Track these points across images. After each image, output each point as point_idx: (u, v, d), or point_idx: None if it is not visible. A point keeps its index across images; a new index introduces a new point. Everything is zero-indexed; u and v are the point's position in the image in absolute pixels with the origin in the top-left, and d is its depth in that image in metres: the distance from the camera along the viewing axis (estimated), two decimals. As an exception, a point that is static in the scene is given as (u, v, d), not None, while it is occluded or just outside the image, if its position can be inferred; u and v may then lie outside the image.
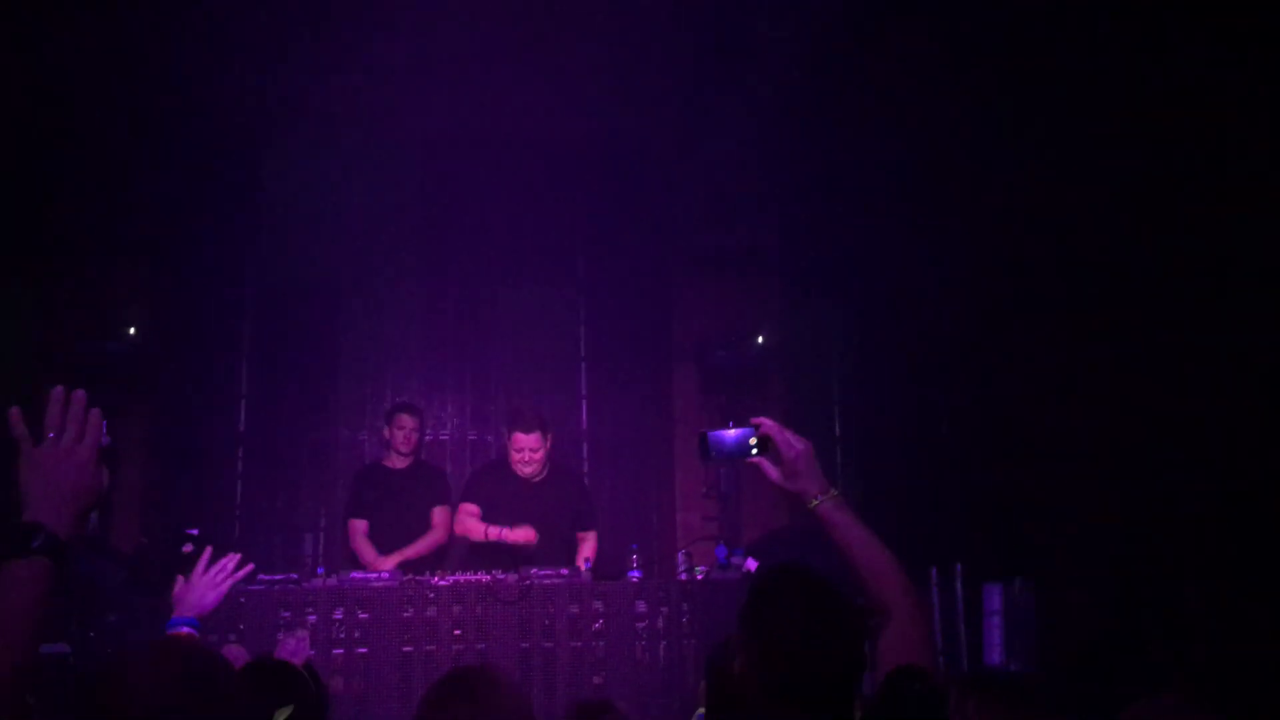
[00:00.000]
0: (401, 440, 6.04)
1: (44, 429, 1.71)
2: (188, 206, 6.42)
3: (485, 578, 5.07)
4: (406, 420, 6.08)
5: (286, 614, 4.86)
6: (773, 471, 2.24)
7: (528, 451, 5.65)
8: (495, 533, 5.49)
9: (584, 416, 7.55)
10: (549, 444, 5.76)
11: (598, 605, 5.09)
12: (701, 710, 3.35)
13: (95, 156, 6.15)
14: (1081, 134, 5.25)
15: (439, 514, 5.97)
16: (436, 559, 5.81)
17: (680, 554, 5.67)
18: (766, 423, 2.28)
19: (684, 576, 5.41)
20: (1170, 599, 5.14)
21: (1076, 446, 5.83)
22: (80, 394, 1.74)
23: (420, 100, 6.12)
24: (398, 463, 6.09)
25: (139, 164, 6.23)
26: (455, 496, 6.00)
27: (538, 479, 5.75)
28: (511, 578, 5.09)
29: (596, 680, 5.04)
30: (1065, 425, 5.88)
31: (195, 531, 5.25)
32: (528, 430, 5.66)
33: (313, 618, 4.86)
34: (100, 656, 4.25)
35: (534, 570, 5.21)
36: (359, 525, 5.93)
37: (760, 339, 6.81)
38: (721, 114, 5.64)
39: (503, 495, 5.71)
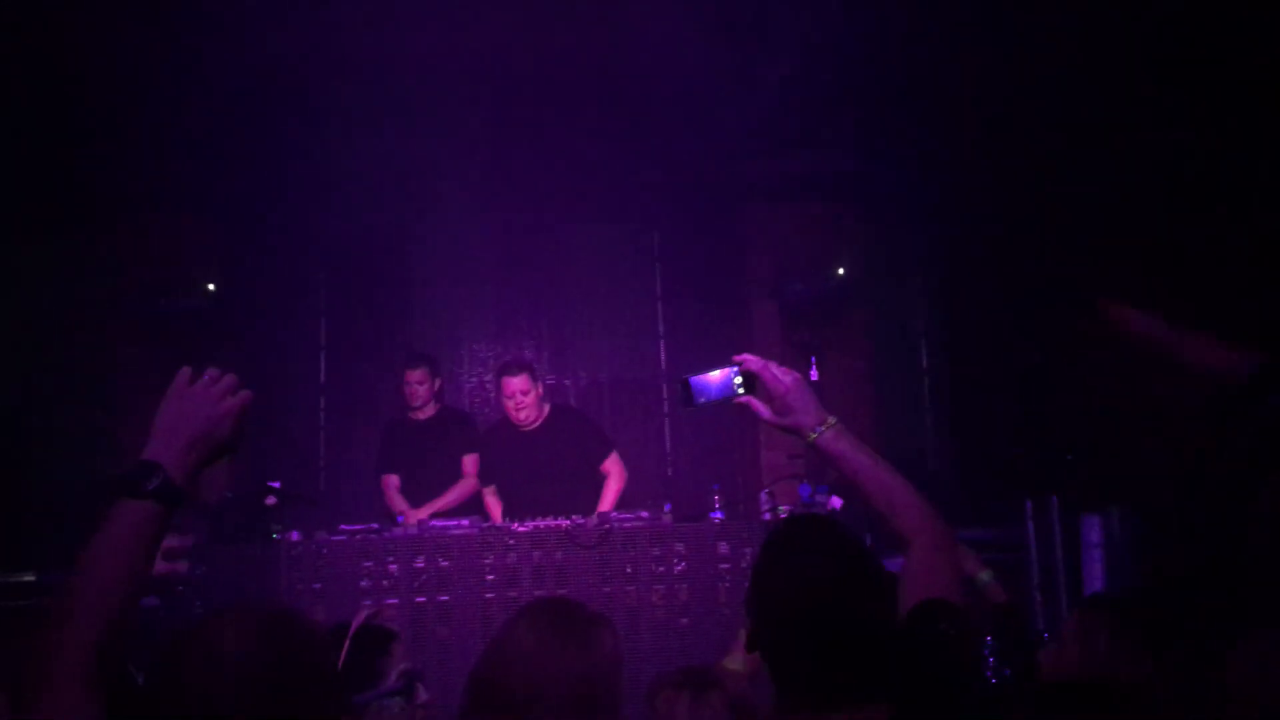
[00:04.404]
0: (409, 395, 5.98)
1: (201, 373, 1.68)
2: (258, 161, 6.39)
3: (564, 523, 5.02)
4: (410, 375, 5.99)
5: (368, 563, 4.87)
6: (764, 410, 2.11)
7: (519, 395, 5.62)
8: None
9: (663, 356, 7.44)
10: (539, 388, 5.77)
11: (679, 547, 5.01)
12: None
13: (163, 112, 6.15)
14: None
15: (469, 461, 5.94)
16: (471, 506, 5.78)
17: (763, 493, 5.56)
18: (749, 359, 2.15)
19: (767, 516, 5.30)
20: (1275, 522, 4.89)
21: (1174, 371, 5.57)
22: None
23: (482, 38, 5.98)
24: (420, 415, 6.04)
25: (206, 119, 6.21)
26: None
27: (533, 425, 5.71)
28: (591, 522, 5.03)
29: (683, 622, 4.98)
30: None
31: (278, 484, 5.29)
32: (514, 373, 5.65)
33: (394, 567, 4.87)
34: (187, 610, 4.29)
35: (613, 514, 5.15)
36: (391, 480, 5.94)
37: (840, 270, 6.59)
38: (790, 29, 5.40)
39: (509, 456, 5.72)
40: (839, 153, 6.54)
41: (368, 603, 4.75)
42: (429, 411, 6.06)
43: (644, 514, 5.15)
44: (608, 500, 5.60)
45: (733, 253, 7.15)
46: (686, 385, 2.22)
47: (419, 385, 5.99)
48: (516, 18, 5.75)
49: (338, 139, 6.35)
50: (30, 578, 5.56)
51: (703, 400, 2.20)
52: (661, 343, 7.45)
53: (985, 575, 3.37)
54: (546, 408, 5.82)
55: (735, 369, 2.17)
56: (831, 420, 2.07)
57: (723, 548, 5.03)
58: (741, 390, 2.17)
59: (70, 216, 6.48)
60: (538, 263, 7.32)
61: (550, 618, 2.35)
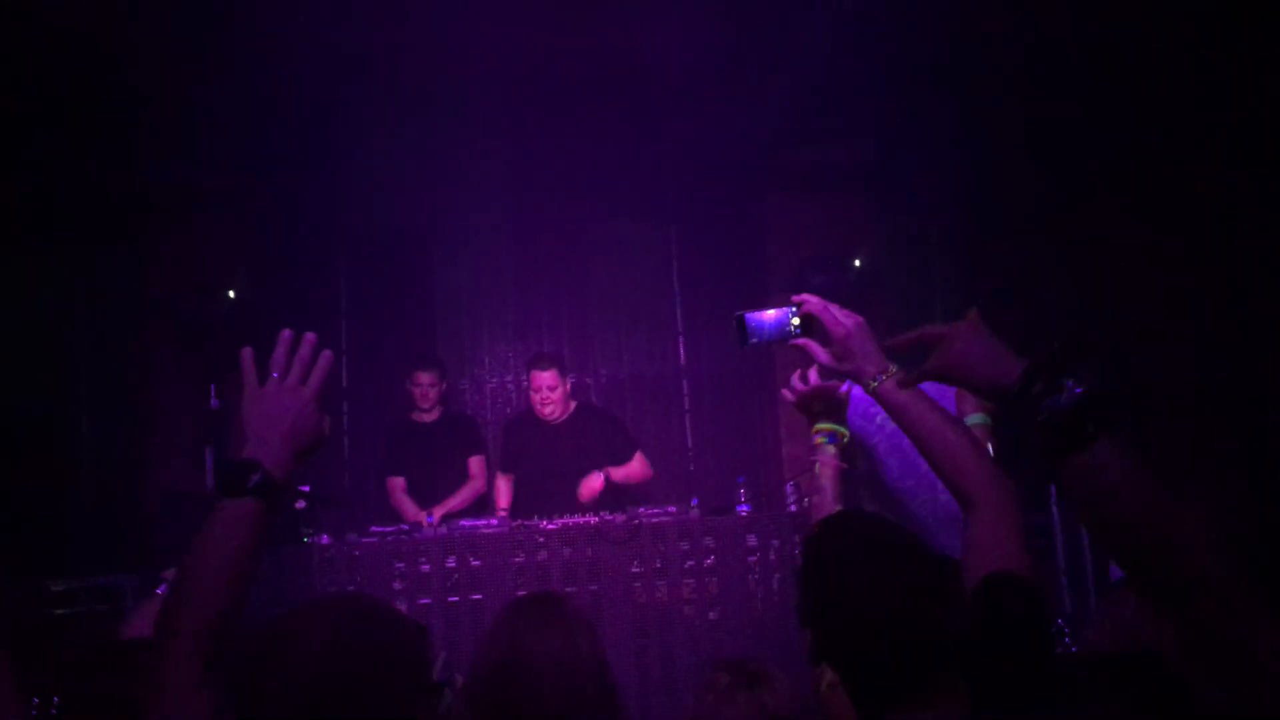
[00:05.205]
0: (420, 397, 6.03)
1: (269, 369, 1.69)
2: (280, 166, 6.42)
3: (594, 519, 5.05)
4: (422, 377, 6.03)
5: (400, 565, 4.90)
6: (821, 354, 2.00)
7: (545, 390, 5.67)
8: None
9: (682, 352, 7.46)
10: (568, 384, 5.80)
11: (708, 541, 5.03)
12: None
13: (187, 120, 6.19)
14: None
15: (475, 463, 5.99)
16: (477, 508, 5.82)
17: (789, 485, 5.57)
18: (810, 299, 2.03)
19: (794, 508, 5.31)
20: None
21: (1191, 349, 5.59)
22: (310, 336, 1.72)
23: (500, 39, 5.98)
24: (425, 417, 6.08)
25: (230, 126, 6.25)
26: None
27: (559, 419, 5.75)
28: (620, 518, 5.06)
29: (712, 615, 5.01)
30: (1180, 332, 5.65)
31: (306, 488, 5.32)
32: (543, 368, 5.71)
33: (426, 567, 4.90)
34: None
35: (641, 509, 5.17)
36: (396, 482, 5.95)
37: (858, 262, 6.60)
38: (806, 19, 5.40)
39: (529, 447, 5.75)
40: (857, 143, 6.55)
41: (401, 603, 4.80)
42: (435, 414, 6.09)
43: (671, 509, 5.18)
44: (618, 472, 5.61)
45: (751, 246, 7.16)
46: (741, 323, 2.10)
47: (430, 388, 6.03)
48: (535, 17, 5.76)
49: (357, 142, 6.38)
50: (62, 586, 5.62)
51: (756, 340, 2.10)
52: (680, 338, 7.47)
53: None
54: (573, 405, 5.86)
55: (792, 308, 2.06)
56: (894, 368, 1.95)
57: (751, 540, 5.06)
58: (798, 331, 2.06)
59: (97, 222, 6.51)
60: (557, 262, 7.36)
61: (547, 617, 2.34)
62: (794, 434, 6.85)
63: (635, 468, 5.74)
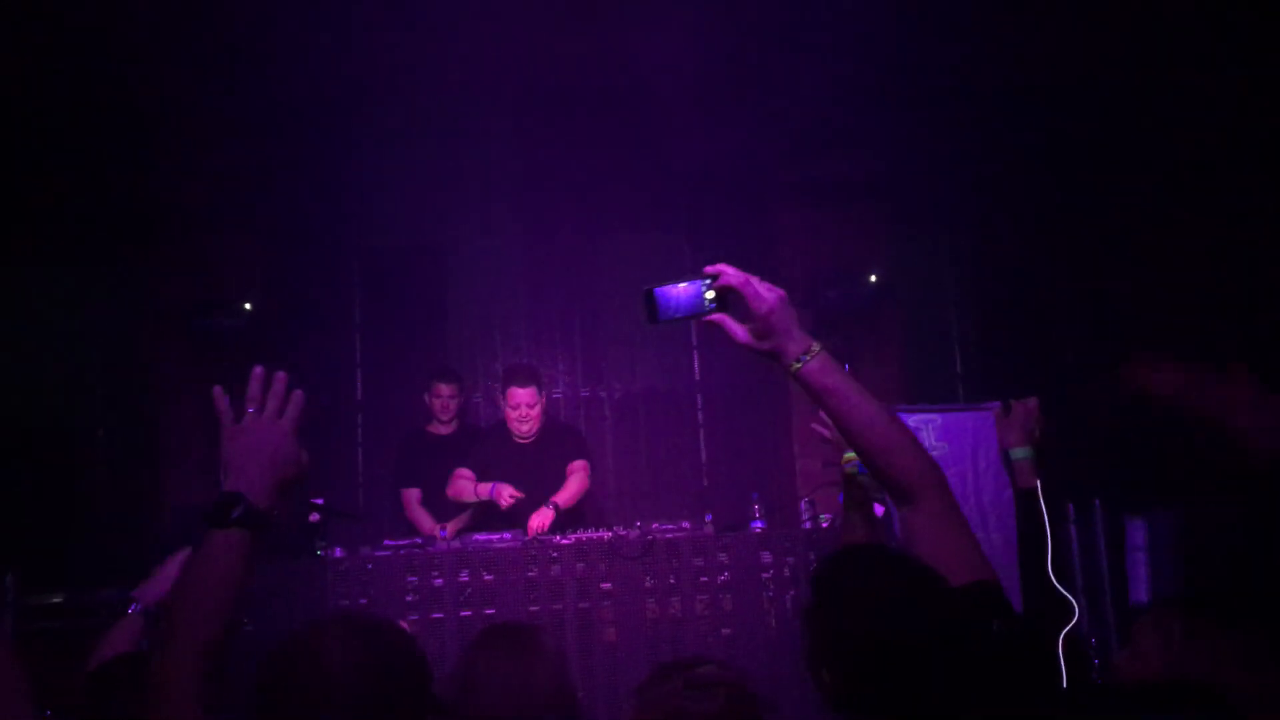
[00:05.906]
0: (440, 408, 6.00)
1: (244, 405, 1.75)
2: (294, 180, 6.45)
3: (607, 535, 5.03)
4: (443, 389, 6.01)
5: (413, 579, 4.89)
6: (739, 331, 1.87)
7: (524, 407, 5.53)
8: (485, 490, 5.40)
9: (696, 367, 7.44)
10: (544, 400, 5.67)
11: (722, 557, 5.02)
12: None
13: (200, 133, 6.23)
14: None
15: None
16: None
17: (803, 502, 5.55)
18: (728, 271, 1.87)
19: (808, 525, 5.29)
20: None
21: (1192, 349, 5.56)
22: (281, 375, 1.77)
23: (510, 54, 6.01)
24: (442, 429, 6.04)
25: (244, 140, 6.29)
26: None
27: (531, 438, 5.61)
28: (634, 534, 5.04)
29: (725, 631, 4.99)
30: (1182, 332, 5.63)
31: (321, 500, 5.33)
32: (523, 384, 5.56)
33: (439, 581, 4.89)
34: (238, 627, 4.32)
35: (655, 524, 5.16)
36: (412, 494, 5.90)
37: (873, 278, 6.57)
38: (819, 33, 5.41)
39: (497, 458, 5.59)
40: (870, 156, 6.54)
41: (414, 616, 4.80)
42: (452, 427, 6.07)
43: (685, 524, 5.16)
44: (563, 496, 5.42)
45: (764, 260, 7.13)
46: (650, 297, 1.97)
47: (451, 399, 6.02)
48: (545, 30, 5.78)
49: (371, 158, 6.41)
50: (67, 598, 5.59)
51: (667, 317, 1.97)
52: (695, 353, 7.45)
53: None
54: (543, 424, 5.73)
55: (705, 281, 1.92)
56: (816, 347, 1.83)
57: (765, 557, 5.04)
58: (713, 307, 1.92)
59: (110, 236, 6.55)
60: (570, 276, 7.34)
61: (509, 648, 2.37)
62: (807, 448, 6.83)
63: (574, 485, 5.54)
